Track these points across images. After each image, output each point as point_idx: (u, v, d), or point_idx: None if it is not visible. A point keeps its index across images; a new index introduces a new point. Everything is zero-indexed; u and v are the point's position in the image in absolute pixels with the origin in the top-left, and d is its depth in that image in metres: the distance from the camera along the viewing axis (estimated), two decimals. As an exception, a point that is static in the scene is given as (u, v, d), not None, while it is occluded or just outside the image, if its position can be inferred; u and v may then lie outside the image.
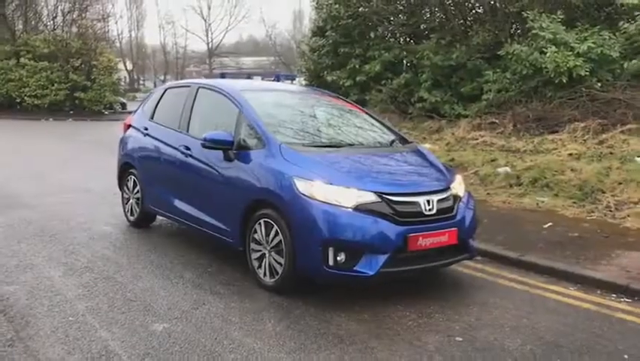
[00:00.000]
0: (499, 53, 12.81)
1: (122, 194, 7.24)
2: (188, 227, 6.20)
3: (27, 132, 21.26)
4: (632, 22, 11.17)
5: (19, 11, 32.13)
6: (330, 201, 4.55)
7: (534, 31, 11.78)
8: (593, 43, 11.31)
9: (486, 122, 11.99)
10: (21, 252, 5.90)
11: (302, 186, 4.63)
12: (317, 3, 17.15)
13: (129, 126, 7.26)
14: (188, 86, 6.52)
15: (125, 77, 53.77)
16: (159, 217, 7.02)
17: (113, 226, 7.04)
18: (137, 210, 6.89)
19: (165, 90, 7.07)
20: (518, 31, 14.06)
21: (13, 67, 29.12)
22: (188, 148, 5.90)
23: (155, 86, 37.03)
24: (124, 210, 7.21)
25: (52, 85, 28.96)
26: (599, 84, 11.36)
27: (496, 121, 11.88)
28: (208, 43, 63.37)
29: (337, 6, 15.62)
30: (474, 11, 15.67)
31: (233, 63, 62.86)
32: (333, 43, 15.91)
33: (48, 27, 32.28)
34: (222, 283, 5.12)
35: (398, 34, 16.48)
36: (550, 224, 6.80)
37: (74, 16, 31.84)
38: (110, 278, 5.19)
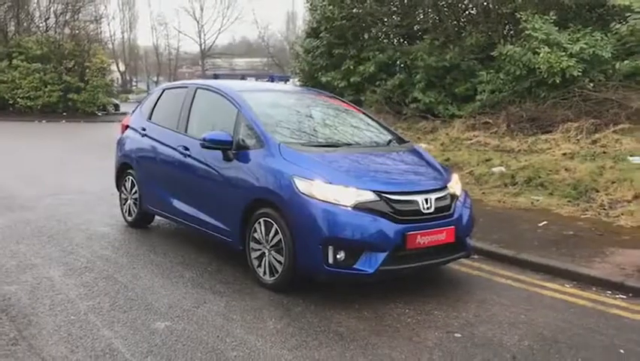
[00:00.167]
0: (492, 53, 12.92)
1: (120, 195, 7.27)
2: (187, 227, 6.23)
3: (21, 134, 21.17)
4: (624, 23, 11.30)
5: (10, 13, 32.00)
6: (329, 200, 4.60)
7: (527, 32, 11.89)
8: (585, 43, 11.43)
9: (480, 123, 12.09)
10: (20, 252, 5.92)
11: (302, 185, 4.68)
12: (311, 4, 17.20)
13: (127, 127, 7.28)
14: (186, 87, 6.56)
15: (117, 79, 53.65)
16: (157, 218, 7.05)
17: (111, 227, 7.06)
18: (135, 210, 6.92)
19: (163, 91, 7.10)
20: (511, 32, 14.19)
21: (5, 68, 29.01)
22: (186, 148, 5.94)
23: (148, 87, 37.02)
24: (122, 211, 7.23)
25: (45, 86, 28.87)
26: (592, 84, 11.49)
27: (490, 121, 11.98)
28: (201, 45, 63.33)
29: (331, 7, 15.67)
30: (467, 12, 15.77)
31: (226, 64, 62.91)
32: (327, 44, 15.95)
33: (40, 28, 32.17)
34: (222, 281, 5.16)
35: (392, 36, 16.55)
36: (545, 223, 6.87)
37: (67, 17, 31.74)
38: (111, 278, 5.22)
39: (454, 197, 5.12)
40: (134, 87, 63.78)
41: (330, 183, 4.67)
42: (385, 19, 16.34)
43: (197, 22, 63.13)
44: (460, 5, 15.69)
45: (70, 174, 11.26)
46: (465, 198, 5.33)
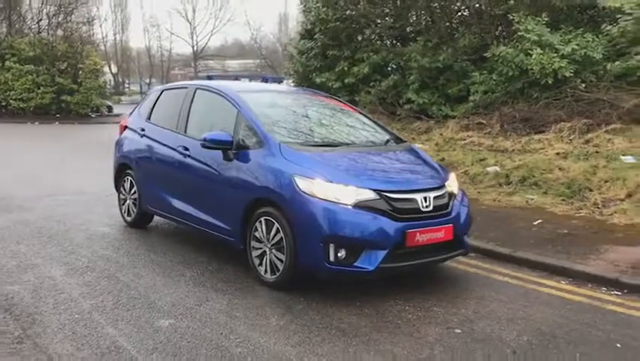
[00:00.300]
0: (485, 54, 13.02)
1: (119, 195, 7.30)
2: (187, 227, 6.28)
3: (15, 136, 21.11)
4: (614, 24, 11.40)
5: (2, 14, 31.87)
6: (330, 199, 4.66)
7: (520, 34, 12.00)
8: (577, 45, 11.56)
9: (473, 123, 12.19)
10: (20, 252, 5.95)
11: (302, 184, 4.74)
12: (305, 6, 17.26)
13: (125, 128, 7.32)
14: (185, 88, 6.61)
15: (109, 81, 53.47)
16: (156, 218, 7.09)
17: (110, 227, 7.10)
18: (134, 210, 6.95)
19: (162, 92, 7.14)
20: (504, 33, 14.30)
21: (-2, 70, 28.93)
22: (186, 148, 5.98)
23: (141, 89, 36.91)
24: (120, 211, 7.26)
25: (38, 88, 28.75)
26: (584, 85, 11.61)
27: (484, 122, 12.08)
28: (193, 46, 63.25)
29: (325, 9, 15.72)
30: (460, 14, 15.87)
31: (219, 66, 62.75)
32: (321, 45, 16.00)
33: (33, 30, 32.04)
34: (223, 280, 5.21)
35: (385, 37, 16.63)
36: (540, 221, 6.97)
37: (60, 19, 31.64)
38: (112, 277, 5.26)
39: (451, 195, 5.20)
40: (126, 89, 63.57)
41: (331, 182, 4.73)
42: (378, 21, 16.42)
43: (190, 23, 62.97)
44: (452, 7, 15.78)
45: (67, 175, 11.27)
46: (462, 197, 5.41)
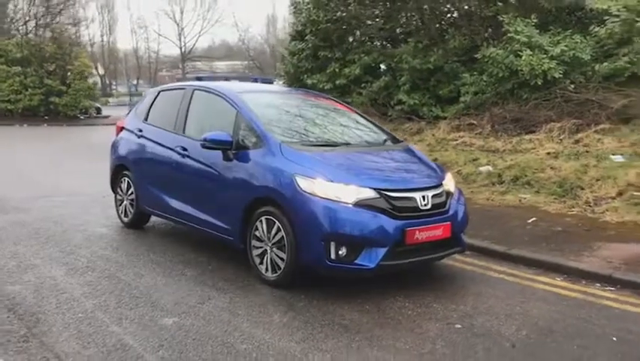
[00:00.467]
0: (475, 56, 13.13)
1: (116, 196, 7.31)
2: (186, 226, 6.33)
3: (4, 138, 21.02)
4: (602, 26, 11.56)
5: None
6: (331, 198, 4.73)
7: (509, 35, 12.11)
8: (565, 46, 11.68)
9: (465, 124, 12.29)
10: (19, 253, 5.96)
11: (304, 183, 4.81)
12: (296, 7, 17.32)
13: (122, 129, 7.34)
14: (183, 89, 6.64)
15: (97, 82, 53.23)
16: (152, 218, 7.12)
17: (107, 228, 7.12)
18: (132, 211, 6.98)
19: (159, 93, 7.17)
20: (493, 35, 14.43)
21: (-16, 72, 28.75)
22: (185, 149, 6.03)
23: (130, 90, 36.77)
24: (117, 212, 7.28)
25: (26, 90, 28.63)
26: (573, 86, 11.72)
27: (475, 122, 12.18)
28: (181, 48, 63.15)
29: (316, 10, 15.78)
30: (449, 15, 15.99)
31: (207, 67, 62.62)
32: (312, 47, 16.04)
33: (20, 31, 31.85)
34: (224, 279, 5.26)
35: (375, 39, 16.72)
36: (533, 219, 7.08)
37: (48, 20, 31.49)
38: (113, 277, 5.29)
39: (448, 194, 5.29)
40: (113, 91, 63.31)
41: (332, 181, 4.80)
42: (369, 22, 16.51)
43: (178, 25, 62.94)
44: (442, 9, 15.90)
45: (61, 176, 11.27)
46: (459, 196, 5.50)
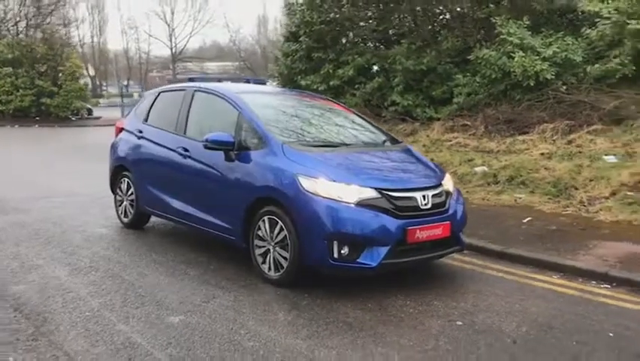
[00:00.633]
0: (468, 57, 13.26)
1: (115, 197, 7.34)
2: (187, 226, 6.38)
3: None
4: (593, 28, 11.72)
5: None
6: (333, 197, 4.81)
7: (502, 37, 12.25)
8: (557, 48, 11.84)
9: (458, 125, 12.41)
10: (21, 254, 6.00)
11: (306, 183, 4.88)
12: (289, 9, 17.39)
13: (121, 130, 7.38)
14: (184, 90, 6.69)
15: (87, 83, 53.02)
16: (152, 219, 7.16)
17: (107, 228, 7.16)
18: (132, 212, 7.02)
19: (158, 94, 7.21)
20: (485, 36, 14.56)
21: (-25, 72, 28.62)
22: (186, 150, 6.08)
23: (121, 91, 36.65)
24: (117, 213, 7.31)
25: (17, 91, 28.51)
26: (565, 87, 11.88)
27: (468, 123, 12.30)
28: (172, 49, 62.99)
29: (310, 12, 15.87)
30: (442, 17, 16.12)
31: (197, 68, 62.54)
32: (306, 48, 16.11)
33: (11, 32, 31.70)
34: (227, 278, 5.32)
35: (369, 40, 16.82)
36: (529, 219, 7.19)
37: (39, 20, 31.37)
38: (117, 276, 5.34)
39: (448, 194, 5.38)
40: (104, 91, 63.07)
41: (334, 181, 4.87)
42: (362, 24, 16.61)
43: (168, 25, 62.76)
44: (434, 10, 16.02)
45: (57, 177, 11.26)
46: (457, 196, 5.60)
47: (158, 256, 6.01)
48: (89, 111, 33.09)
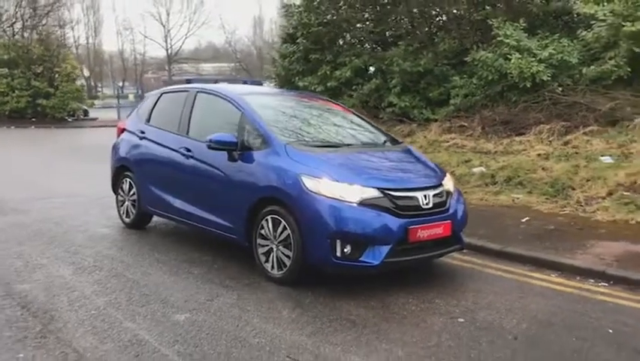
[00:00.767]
0: (465, 59, 13.36)
1: (117, 197, 7.39)
2: (189, 226, 6.43)
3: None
4: (589, 30, 11.82)
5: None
6: (336, 197, 4.88)
7: (499, 39, 12.35)
8: (553, 49, 11.94)
9: (455, 126, 12.49)
10: (25, 253, 6.04)
11: (309, 183, 4.95)
12: (287, 11, 17.46)
13: (123, 130, 7.43)
14: (186, 91, 6.75)
15: (83, 84, 52.95)
16: (153, 219, 7.22)
17: (109, 228, 7.21)
18: (133, 212, 7.06)
19: (161, 95, 7.26)
20: (482, 38, 14.66)
21: (-29, 73, 28.60)
22: (189, 150, 6.14)
23: (117, 93, 36.62)
24: (119, 213, 7.36)
25: (13, 92, 28.49)
26: (561, 89, 11.98)
27: (465, 124, 12.39)
28: (167, 50, 62.88)
29: (307, 13, 15.95)
30: (439, 19, 16.22)
31: (193, 69, 62.52)
32: (303, 49, 16.18)
33: (7, 33, 31.67)
34: (230, 277, 5.38)
35: (366, 41, 16.91)
36: (527, 218, 7.28)
37: (35, 21, 31.34)
38: (121, 275, 5.40)
39: (448, 193, 5.45)
40: (98, 93, 62.97)
41: (337, 180, 4.94)
42: (359, 25, 16.70)
43: (164, 26, 62.61)
44: (431, 12, 16.11)
45: (55, 178, 11.29)
46: (458, 196, 5.67)
47: (161, 255, 6.07)
48: (85, 112, 33.07)
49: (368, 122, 6.65)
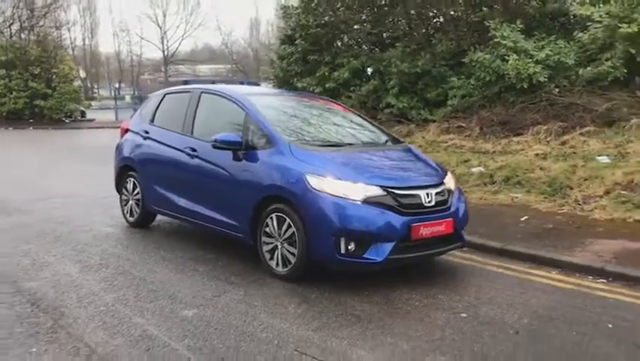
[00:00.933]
0: (462, 60, 13.48)
1: (121, 196, 7.46)
2: (194, 225, 6.51)
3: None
4: (585, 31, 11.95)
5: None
6: (340, 195, 4.97)
7: (496, 40, 12.47)
8: (550, 51, 12.07)
9: (453, 126, 12.61)
10: (32, 252, 6.11)
11: (314, 181, 5.04)
12: (285, 12, 17.57)
13: (126, 130, 7.50)
14: (190, 92, 6.84)
15: (81, 86, 52.88)
16: (157, 218, 7.29)
17: (113, 227, 7.27)
18: (137, 211, 7.13)
19: (164, 95, 7.34)
20: (479, 39, 14.78)
21: (-31, 74, 28.57)
22: (194, 150, 6.21)
23: (114, 94, 36.62)
24: (123, 212, 7.43)
25: (11, 93, 28.48)
26: (557, 90, 12.11)
27: (463, 125, 12.51)
28: (164, 51, 62.80)
29: (305, 15, 16.06)
30: (436, 21, 16.34)
31: (189, 71, 62.50)
32: (302, 51, 16.29)
33: (5, 34, 31.67)
34: (235, 274, 5.47)
35: (363, 43, 17.02)
36: (526, 217, 7.38)
37: (32, 23, 31.34)
38: (128, 273, 5.47)
39: (450, 192, 5.55)
40: (95, 94, 62.89)
41: (340, 179, 5.04)
42: (357, 27, 16.81)
43: (160, 28, 62.51)
44: (428, 14, 16.23)
45: (56, 178, 11.31)
46: (459, 194, 5.78)
47: (167, 253, 6.14)
48: (83, 114, 33.03)
49: (369, 122, 6.75)
